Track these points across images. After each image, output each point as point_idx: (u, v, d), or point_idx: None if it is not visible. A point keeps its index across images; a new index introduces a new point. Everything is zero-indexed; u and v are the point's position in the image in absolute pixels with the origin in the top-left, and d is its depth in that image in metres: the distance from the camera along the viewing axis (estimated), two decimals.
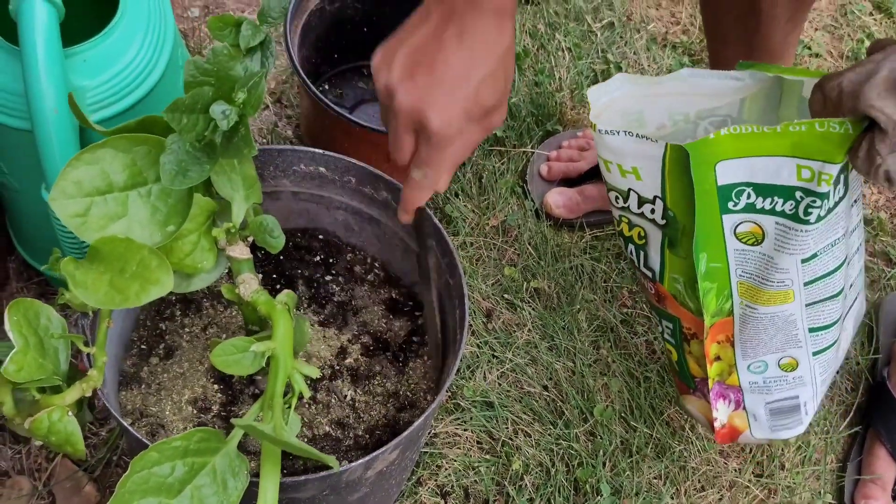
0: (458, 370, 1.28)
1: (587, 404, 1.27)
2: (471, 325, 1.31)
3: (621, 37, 1.68)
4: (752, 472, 1.26)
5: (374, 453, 0.87)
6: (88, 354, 0.88)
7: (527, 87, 1.59)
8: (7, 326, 0.83)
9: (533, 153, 1.50)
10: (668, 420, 1.27)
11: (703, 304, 1.02)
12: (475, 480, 1.21)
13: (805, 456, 1.27)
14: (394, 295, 1.12)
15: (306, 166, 1.06)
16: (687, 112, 1.03)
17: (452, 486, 1.20)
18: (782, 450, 1.27)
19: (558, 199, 1.43)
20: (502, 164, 1.50)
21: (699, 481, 1.24)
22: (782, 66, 1.11)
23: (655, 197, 0.98)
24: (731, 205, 0.95)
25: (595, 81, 1.61)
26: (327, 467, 0.85)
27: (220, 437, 0.80)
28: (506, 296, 1.37)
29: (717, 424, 1.11)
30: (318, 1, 1.41)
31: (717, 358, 1.08)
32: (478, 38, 0.78)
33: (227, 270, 0.92)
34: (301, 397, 0.87)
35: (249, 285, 0.89)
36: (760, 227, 0.97)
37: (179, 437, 0.78)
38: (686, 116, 1.03)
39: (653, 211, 1.00)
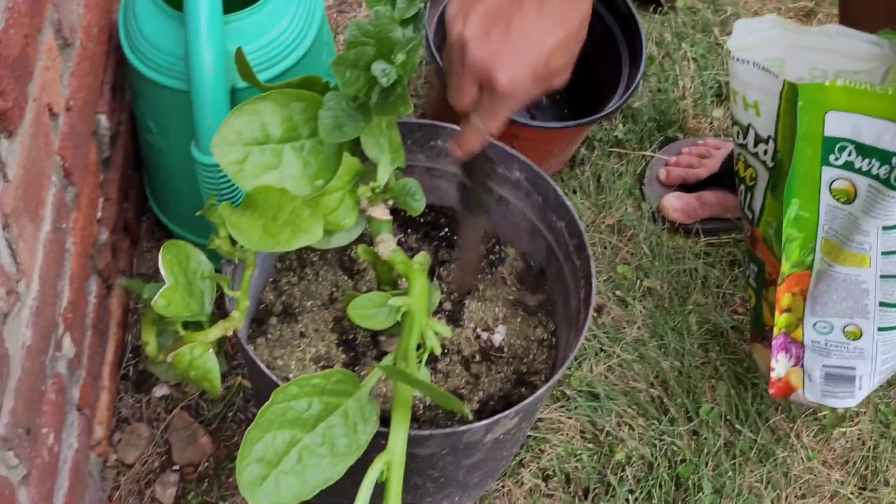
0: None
1: (693, 404, 1.28)
2: None
3: None
4: (855, 485, 1.25)
5: (497, 416, 0.89)
6: (231, 298, 0.92)
7: (650, 92, 1.60)
8: (160, 264, 0.88)
9: (652, 157, 1.51)
10: (773, 427, 1.28)
11: (784, 251, 1.05)
12: (577, 467, 1.23)
13: None
14: (518, 273, 1.14)
15: (443, 142, 1.09)
16: (826, 69, 1.05)
17: (554, 470, 1.22)
18: (887, 465, 1.26)
19: (676, 203, 1.44)
20: (621, 165, 1.51)
21: (801, 489, 1.24)
22: None
23: (769, 137, 1.03)
24: (832, 158, 0.99)
25: (719, 93, 1.62)
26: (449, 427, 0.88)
27: (356, 380, 0.84)
28: (617, 292, 1.38)
29: (773, 375, 1.14)
30: None
31: (788, 309, 1.10)
32: (555, 9, 0.82)
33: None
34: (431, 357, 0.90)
35: (388, 245, 0.93)
36: (854, 186, 1.00)
37: (319, 374, 0.82)
38: (825, 73, 1.05)
39: (765, 152, 1.05)
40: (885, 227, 1.00)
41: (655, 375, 1.31)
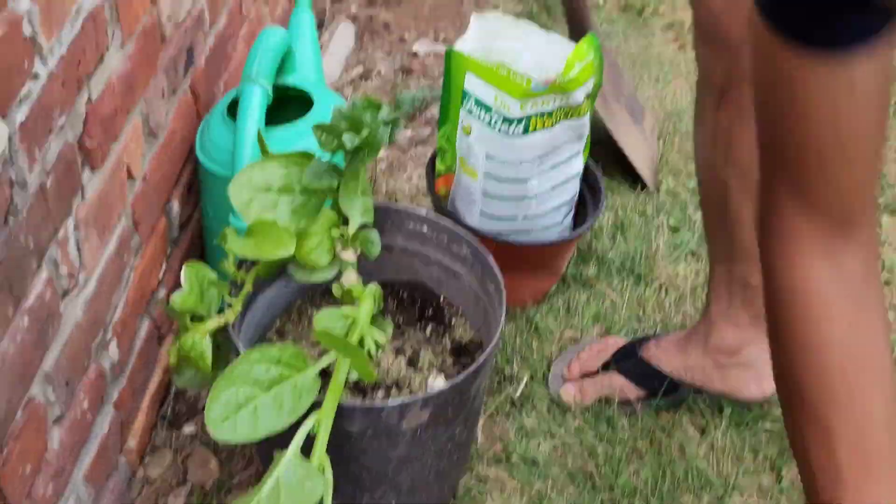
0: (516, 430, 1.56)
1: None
2: None
3: None
4: None
5: (405, 400, 1.17)
6: (230, 304, 1.24)
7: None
8: (182, 274, 1.22)
9: None
10: None
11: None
12: None
13: None
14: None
15: (416, 226, 1.42)
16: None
17: None
18: None
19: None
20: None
21: None
22: None
23: None
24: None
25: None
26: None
27: (305, 359, 1.13)
28: None
29: None
30: None
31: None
32: None
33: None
34: None
35: (350, 277, 1.24)
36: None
37: (276, 346, 1.12)
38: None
39: None
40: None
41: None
